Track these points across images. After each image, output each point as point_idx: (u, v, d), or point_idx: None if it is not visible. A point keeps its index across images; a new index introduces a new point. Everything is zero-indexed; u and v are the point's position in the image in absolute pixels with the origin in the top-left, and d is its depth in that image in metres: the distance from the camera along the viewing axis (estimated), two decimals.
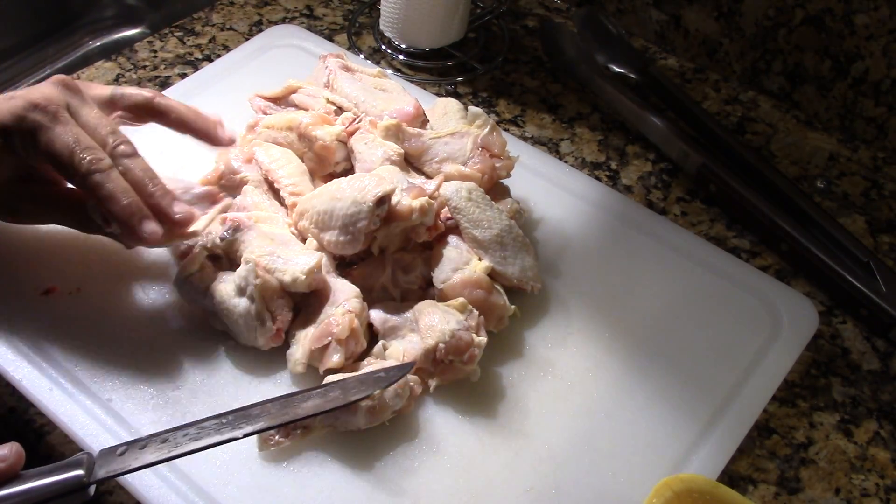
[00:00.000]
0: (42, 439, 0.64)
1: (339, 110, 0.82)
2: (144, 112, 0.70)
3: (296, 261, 0.66)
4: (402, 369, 0.61)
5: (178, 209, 0.65)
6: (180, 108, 0.71)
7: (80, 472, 0.53)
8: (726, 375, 0.69)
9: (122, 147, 0.64)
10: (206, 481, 0.60)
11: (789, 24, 0.94)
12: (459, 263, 0.69)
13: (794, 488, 0.66)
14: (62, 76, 0.65)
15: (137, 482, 0.59)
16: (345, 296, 0.66)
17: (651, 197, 0.88)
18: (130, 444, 0.55)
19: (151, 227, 0.62)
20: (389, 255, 0.70)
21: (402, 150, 0.75)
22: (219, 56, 0.97)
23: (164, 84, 0.93)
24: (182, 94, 0.89)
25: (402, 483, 0.61)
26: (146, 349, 0.67)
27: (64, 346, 0.67)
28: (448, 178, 0.74)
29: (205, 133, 0.72)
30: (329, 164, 0.76)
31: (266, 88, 0.85)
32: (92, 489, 0.54)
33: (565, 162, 0.89)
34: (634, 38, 1.08)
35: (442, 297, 0.68)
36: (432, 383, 0.65)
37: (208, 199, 0.69)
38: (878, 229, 0.87)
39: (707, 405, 0.67)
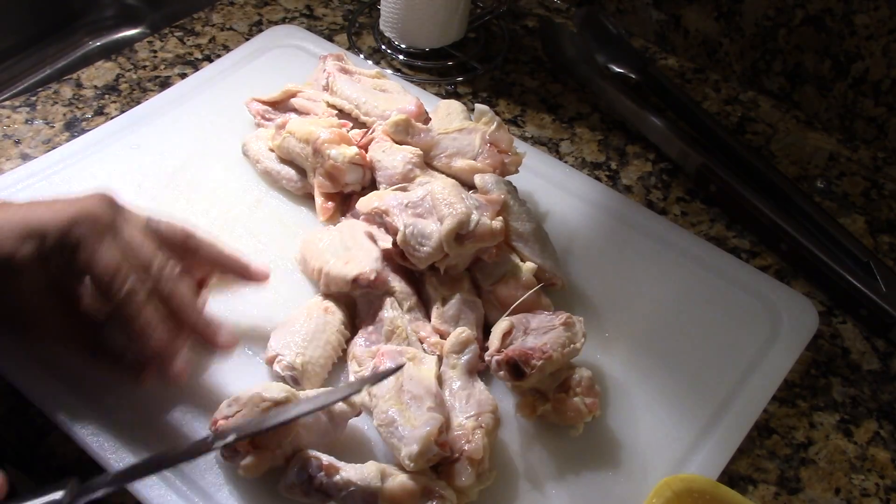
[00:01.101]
0: (42, 439, 0.64)
1: (341, 113, 0.82)
2: (176, 246, 0.64)
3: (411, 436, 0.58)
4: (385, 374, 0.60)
5: (223, 338, 0.62)
6: (213, 249, 0.66)
7: (59, 494, 0.52)
8: (726, 375, 0.69)
9: (166, 271, 0.60)
10: (206, 481, 0.60)
11: (789, 24, 0.94)
12: (503, 266, 0.69)
13: (794, 488, 0.66)
14: (106, 193, 0.61)
15: (137, 482, 0.59)
16: (479, 407, 0.61)
17: (651, 197, 0.88)
18: (115, 475, 0.55)
19: (178, 366, 0.60)
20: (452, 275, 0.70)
21: (421, 152, 0.75)
22: (219, 56, 0.97)
23: (165, 84, 0.93)
24: (182, 94, 0.89)
25: None
26: None
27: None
28: (459, 173, 0.75)
29: (237, 271, 0.67)
30: (339, 184, 0.76)
31: (265, 90, 0.86)
32: None
33: (565, 162, 0.89)
34: (634, 38, 1.08)
35: (494, 300, 0.69)
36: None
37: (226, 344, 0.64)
38: (878, 229, 0.87)
39: (707, 405, 0.67)
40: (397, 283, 0.69)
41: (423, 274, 0.69)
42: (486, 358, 0.63)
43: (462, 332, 0.64)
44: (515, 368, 0.62)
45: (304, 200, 0.80)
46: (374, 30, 1.03)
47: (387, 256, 0.70)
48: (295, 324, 0.67)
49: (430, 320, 0.68)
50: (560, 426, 0.64)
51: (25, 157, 0.84)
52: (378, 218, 0.70)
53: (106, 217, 0.59)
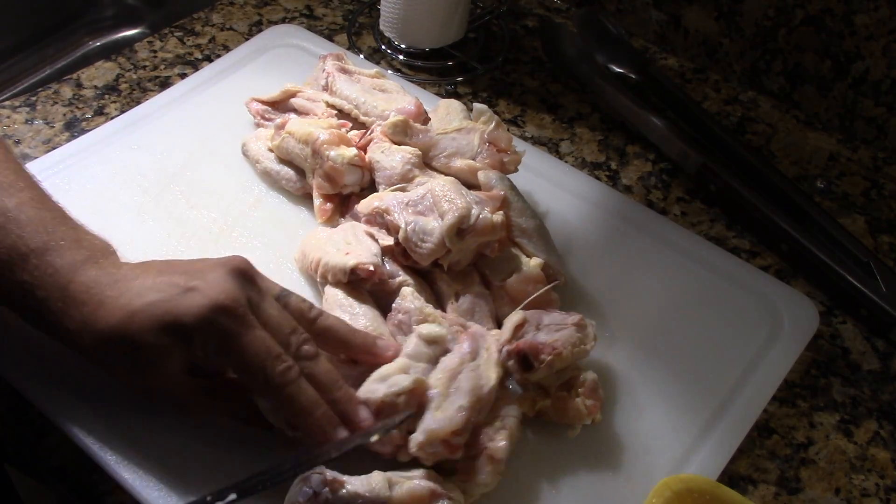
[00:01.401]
0: (42, 439, 0.64)
1: (340, 113, 0.82)
2: (305, 321, 0.61)
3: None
4: (388, 424, 0.58)
5: (364, 415, 0.59)
6: (342, 329, 0.62)
7: None
8: (726, 375, 0.69)
9: (305, 348, 0.58)
10: (206, 482, 0.60)
11: (789, 24, 0.94)
12: (510, 262, 0.70)
13: (794, 488, 0.66)
14: (237, 264, 0.58)
15: (137, 481, 0.59)
16: (505, 409, 0.62)
17: (651, 197, 0.88)
18: None
19: (343, 433, 0.58)
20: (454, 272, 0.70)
21: (420, 152, 0.75)
22: (219, 56, 0.97)
23: (164, 84, 0.93)
24: (182, 94, 0.89)
25: None
26: None
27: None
28: (459, 173, 0.75)
29: (364, 351, 0.63)
30: (337, 185, 0.76)
31: (265, 90, 0.86)
32: None
33: (565, 162, 0.89)
34: (634, 38, 1.08)
35: (506, 295, 0.69)
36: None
37: (389, 409, 0.60)
38: (878, 229, 0.87)
39: (707, 405, 0.67)
40: (409, 277, 0.69)
41: (433, 272, 0.69)
42: (497, 347, 0.64)
43: (498, 332, 0.65)
44: (525, 360, 0.62)
45: (304, 201, 0.80)
46: (374, 30, 1.03)
47: (389, 253, 0.70)
48: (343, 308, 0.66)
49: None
50: (561, 427, 0.64)
51: (25, 157, 0.84)
52: (379, 218, 0.70)
53: (242, 298, 0.56)
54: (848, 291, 0.77)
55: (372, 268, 0.66)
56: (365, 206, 0.71)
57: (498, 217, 0.67)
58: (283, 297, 0.61)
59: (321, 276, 0.69)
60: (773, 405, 0.71)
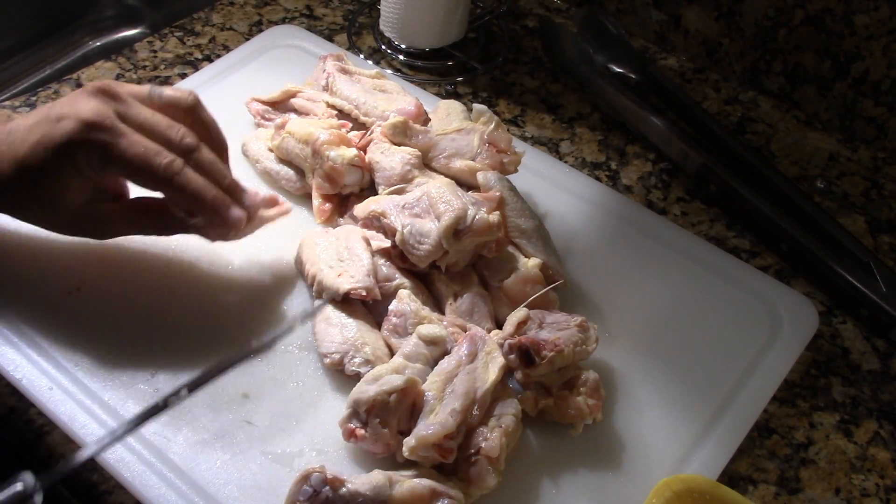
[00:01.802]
0: (42, 439, 0.64)
1: (340, 113, 0.82)
2: (180, 112, 0.66)
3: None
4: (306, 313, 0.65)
5: (252, 199, 0.67)
6: (211, 121, 0.68)
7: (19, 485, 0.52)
8: (726, 375, 0.69)
9: (186, 141, 0.63)
10: (206, 481, 0.60)
11: (789, 24, 0.94)
12: (509, 262, 0.70)
13: (794, 488, 0.66)
14: (97, 84, 0.63)
15: (137, 481, 0.59)
16: (503, 408, 0.62)
17: (651, 197, 0.88)
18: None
19: (237, 213, 0.64)
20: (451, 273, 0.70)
21: (420, 153, 0.75)
22: (219, 56, 0.97)
23: (164, 84, 0.93)
24: None
25: None
26: (146, 349, 0.67)
27: (64, 345, 0.67)
28: (459, 174, 0.75)
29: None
30: (337, 185, 0.76)
31: (265, 90, 0.86)
32: (38, 498, 0.53)
33: (565, 162, 0.89)
34: (634, 38, 1.08)
35: (504, 295, 0.69)
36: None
37: (270, 202, 0.69)
38: (878, 229, 0.87)
39: (707, 405, 0.67)
40: (406, 280, 0.69)
41: (431, 273, 0.69)
42: (499, 341, 0.64)
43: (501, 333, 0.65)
44: (526, 356, 0.62)
45: (303, 200, 0.80)
46: (374, 30, 1.03)
47: (386, 255, 0.70)
48: (331, 322, 0.66)
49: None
50: (561, 427, 0.64)
51: None
52: (375, 221, 0.70)
53: (108, 111, 0.61)
54: (848, 291, 0.77)
55: (364, 292, 0.66)
56: (362, 209, 0.72)
57: (494, 217, 0.67)
58: (155, 93, 0.65)
59: (316, 292, 0.69)
60: (773, 405, 0.70)
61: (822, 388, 0.73)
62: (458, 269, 0.69)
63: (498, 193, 0.71)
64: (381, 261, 0.70)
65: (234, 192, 0.65)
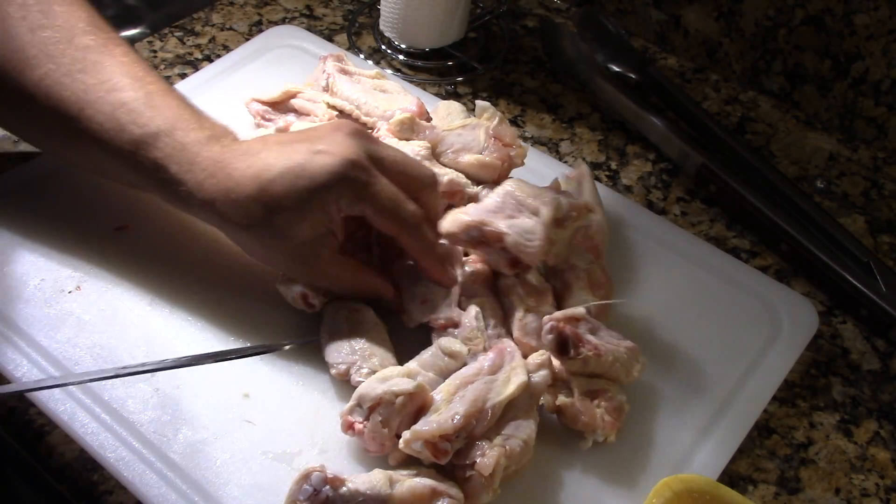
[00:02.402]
0: (42, 439, 0.64)
1: (341, 114, 0.82)
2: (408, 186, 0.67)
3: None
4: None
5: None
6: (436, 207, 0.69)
7: None
8: (726, 375, 0.69)
9: (434, 177, 0.68)
10: (206, 480, 0.60)
11: (789, 24, 0.94)
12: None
13: (794, 488, 0.66)
14: (354, 126, 0.65)
15: (137, 481, 0.59)
16: (515, 430, 0.60)
17: (651, 197, 0.88)
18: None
19: (454, 273, 0.68)
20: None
21: (429, 145, 0.75)
22: (219, 56, 0.97)
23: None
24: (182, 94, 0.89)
25: None
26: (146, 347, 0.67)
27: (63, 344, 0.67)
28: (468, 168, 0.75)
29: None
30: None
31: (265, 90, 0.85)
32: None
33: (565, 162, 0.89)
34: (634, 38, 1.08)
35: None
36: None
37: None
38: (878, 229, 0.87)
39: (707, 405, 0.67)
40: (486, 297, 0.69)
41: (508, 287, 0.69)
42: (544, 320, 0.63)
43: (543, 354, 0.63)
44: (563, 343, 0.62)
45: None
46: (374, 30, 1.03)
47: (481, 280, 0.70)
48: (339, 330, 0.66)
49: (510, 335, 0.68)
50: (564, 432, 0.64)
51: (25, 158, 0.83)
52: (475, 231, 0.67)
53: (366, 153, 0.63)
54: (848, 291, 0.77)
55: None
56: (454, 223, 0.68)
57: (582, 201, 0.69)
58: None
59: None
60: (773, 405, 0.71)
61: (822, 388, 0.73)
62: (559, 260, 0.69)
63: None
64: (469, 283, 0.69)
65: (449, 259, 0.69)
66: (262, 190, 0.61)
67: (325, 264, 0.65)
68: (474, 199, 0.74)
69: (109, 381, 0.65)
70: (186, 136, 0.64)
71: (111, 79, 0.66)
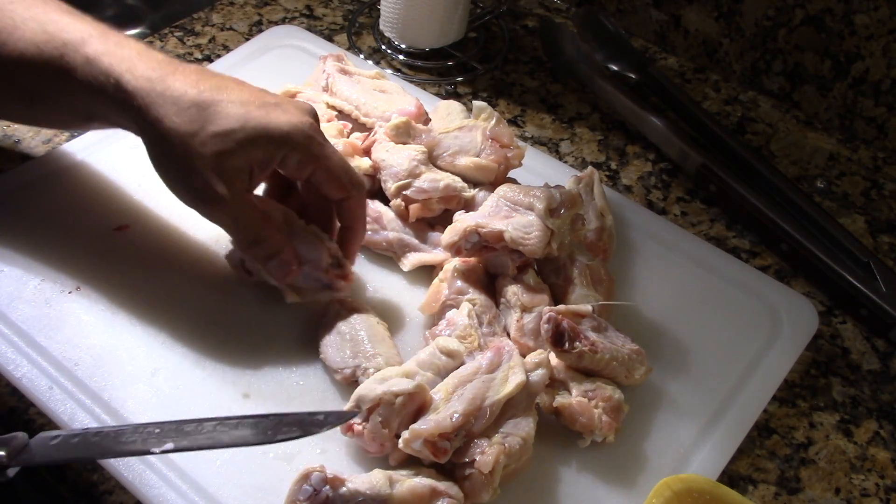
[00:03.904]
0: None
1: (341, 114, 0.82)
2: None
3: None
4: (342, 417, 0.58)
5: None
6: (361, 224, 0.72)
7: (1, 452, 0.53)
8: (726, 375, 0.69)
9: (363, 178, 0.71)
10: (206, 481, 0.60)
11: (789, 24, 0.94)
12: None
13: (794, 488, 0.66)
14: (308, 105, 0.68)
15: (137, 480, 0.59)
16: (514, 429, 0.60)
17: (651, 197, 0.88)
18: (65, 436, 0.55)
19: (350, 280, 0.69)
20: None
21: (425, 149, 0.75)
22: (219, 56, 0.97)
23: None
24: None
25: None
26: (146, 349, 0.67)
27: (64, 345, 0.67)
28: (465, 171, 0.75)
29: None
30: None
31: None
32: (11, 471, 0.54)
33: (565, 162, 0.89)
34: (634, 38, 1.08)
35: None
36: None
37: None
38: (878, 229, 0.87)
39: (707, 405, 0.67)
40: (478, 296, 0.68)
41: (505, 287, 0.69)
42: (545, 310, 0.64)
43: (541, 353, 0.63)
44: (559, 335, 0.62)
45: None
46: (374, 30, 1.03)
47: (471, 279, 0.70)
48: (340, 334, 0.66)
49: (507, 334, 0.68)
50: (562, 427, 0.64)
51: (26, 158, 0.84)
52: (474, 236, 0.68)
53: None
54: (848, 291, 0.77)
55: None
56: (453, 232, 0.69)
57: (574, 190, 0.71)
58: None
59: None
60: (773, 405, 0.71)
61: (822, 388, 0.73)
62: (565, 251, 0.69)
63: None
64: (458, 281, 0.69)
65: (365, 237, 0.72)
66: (210, 107, 0.61)
67: (234, 198, 0.63)
68: (470, 202, 0.74)
69: (110, 381, 0.65)
70: (127, 41, 0.65)
71: (44, 12, 0.66)
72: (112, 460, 0.60)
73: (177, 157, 0.62)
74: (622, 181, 0.89)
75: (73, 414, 0.62)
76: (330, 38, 1.02)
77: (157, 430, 0.55)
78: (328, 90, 0.84)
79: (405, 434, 0.57)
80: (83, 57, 0.63)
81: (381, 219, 0.75)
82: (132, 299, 0.70)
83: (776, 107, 0.99)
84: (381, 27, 1.00)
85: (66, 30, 0.65)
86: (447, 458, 0.58)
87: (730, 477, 0.66)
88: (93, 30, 0.66)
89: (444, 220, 0.74)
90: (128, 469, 0.59)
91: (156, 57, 0.65)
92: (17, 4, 0.66)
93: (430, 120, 0.80)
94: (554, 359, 0.64)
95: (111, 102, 0.63)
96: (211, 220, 0.64)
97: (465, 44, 1.03)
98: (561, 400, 0.63)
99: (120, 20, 1.22)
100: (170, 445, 0.55)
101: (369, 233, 0.74)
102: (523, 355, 0.63)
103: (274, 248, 0.66)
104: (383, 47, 1.02)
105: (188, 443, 0.55)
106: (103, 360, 0.66)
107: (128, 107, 0.62)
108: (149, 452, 0.55)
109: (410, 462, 0.59)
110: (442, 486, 0.57)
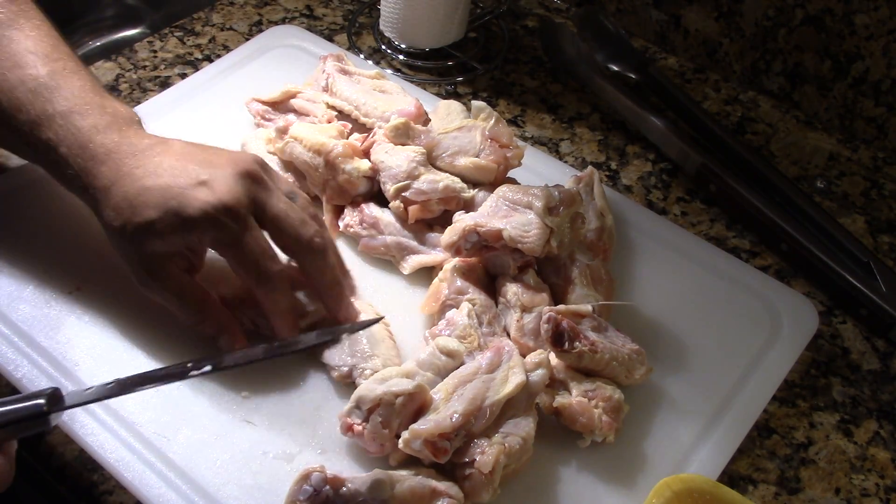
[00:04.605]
0: (42, 439, 0.64)
1: (340, 114, 0.82)
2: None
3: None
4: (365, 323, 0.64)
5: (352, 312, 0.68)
6: (331, 264, 0.67)
7: (41, 401, 0.53)
8: (726, 375, 0.69)
9: (316, 240, 0.65)
10: (206, 481, 0.60)
11: (789, 24, 0.94)
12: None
13: (794, 488, 0.66)
14: (249, 167, 0.64)
15: (138, 481, 0.59)
16: (514, 428, 0.60)
17: (651, 197, 0.88)
18: (97, 387, 0.57)
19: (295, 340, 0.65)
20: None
21: (424, 150, 0.75)
22: (219, 56, 0.97)
23: (164, 84, 0.93)
24: (182, 94, 0.89)
25: None
26: (146, 347, 0.67)
27: (64, 345, 0.67)
28: (464, 171, 0.75)
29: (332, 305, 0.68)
30: (349, 196, 0.76)
31: (266, 89, 0.85)
32: (54, 419, 0.54)
33: (565, 162, 0.89)
34: (634, 38, 1.08)
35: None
36: None
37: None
38: (878, 229, 0.87)
39: (707, 405, 0.67)
40: (478, 295, 0.68)
41: (505, 287, 0.69)
42: (544, 310, 0.64)
43: (541, 353, 0.63)
44: (559, 335, 0.62)
45: None
46: (374, 30, 1.03)
47: (471, 279, 0.69)
48: (336, 333, 0.66)
49: (507, 334, 0.68)
50: (564, 432, 0.64)
51: None
52: (473, 236, 0.68)
53: (247, 201, 0.63)
54: (848, 291, 0.77)
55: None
56: (452, 232, 0.69)
57: (573, 189, 0.71)
58: (291, 195, 0.67)
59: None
60: (773, 405, 0.71)
61: (822, 388, 0.73)
62: (567, 250, 0.69)
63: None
64: (458, 280, 0.69)
65: (339, 305, 0.67)
66: (136, 196, 0.61)
67: (170, 280, 0.64)
68: (470, 203, 0.74)
69: (109, 379, 0.65)
70: (83, 120, 0.64)
71: (15, 55, 0.66)
72: (112, 461, 0.60)
73: (116, 248, 0.65)
74: (622, 181, 0.89)
75: (74, 414, 0.62)
76: (330, 38, 1.02)
77: (190, 364, 0.58)
78: (328, 90, 0.84)
79: (405, 434, 0.58)
80: (44, 142, 0.64)
81: (378, 224, 0.75)
82: (132, 299, 0.70)
83: (776, 107, 0.99)
84: (381, 27, 1.00)
85: (34, 103, 0.64)
86: (447, 459, 0.58)
87: (730, 477, 0.66)
88: (58, 103, 0.64)
89: (443, 220, 0.74)
90: (128, 469, 0.59)
91: (109, 139, 0.64)
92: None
93: (430, 120, 0.80)
94: (554, 359, 0.64)
95: (65, 182, 0.66)
96: (158, 300, 0.65)
97: (465, 44, 1.03)
98: (561, 400, 0.63)
99: (120, 20, 1.22)
100: (208, 367, 0.58)
101: (367, 239, 0.74)
102: (523, 355, 0.63)
103: (216, 327, 0.65)
104: (383, 47, 1.02)
105: (227, 361, 0.59)
106: (103, 360, 0.66)
107: (76, 188, 0.65)
108: (187, 375, 0.57)
109: (410, 462, 0.59)
110: (442, 486, 0.57)
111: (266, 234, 0.64)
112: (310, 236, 0.65)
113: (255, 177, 0.64)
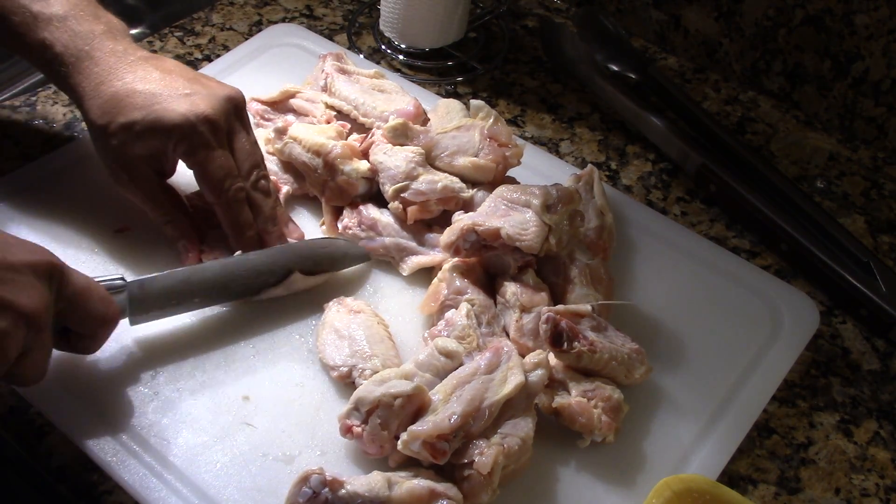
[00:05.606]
0: (42, 439, 0.64)
1: (340, 114, 0.82)
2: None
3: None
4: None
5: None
6: (266, 206, 0.73)
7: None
8: (726, 375, 0.69)
9: (262, 182, 0.72)
10: (206, 483, 0.60)
11: (789, 24, 0.94)
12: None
13: (794, 488, 0.66)
14: (235, 94, 0.71)
15: (138, 484, 0.59)
16: (513, 429, 0.60)
17: (651, 197, 0.88)
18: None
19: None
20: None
21: (423, 151, 0.75)
22: (219, 56, 0.97)
23: None
24: None
25: None
26: (146, 350, 0.67)
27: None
28: (463, 171, 0.75)
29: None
30: (349, 197, 0.76)
31: (265, 89, 0.85)
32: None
33: (565, 162, 0.89)
34: (634, 38, 1.08)
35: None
36: None
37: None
38: (878, 229, 0.87)
39: (707, 405, 0.67)
40: (477, 295, 0.68)
41: (504, 287, 0.69)
42: (543, 310, 0.64)
43: (540, 354, 0.63)
44: (558, 335, 0.62)
45: (300, 200, 0.80)
46: (374, 30, 1.03)
47: (470, 278, 0.70)
48: (339, 333, 0.66)
49: (506, 334, 0.68)
50: (563, 432, 0.64)
51: (26, 158, 0.84)
52: (472, 235, 0.68)
53: (225, 121, 0.69)
54: (848, 291, 0.77)
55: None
56: (451, 232, 0.69)
57: (572, 187, 0.72)
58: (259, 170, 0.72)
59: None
60: (773, 405, 0.71)
61: (822, 388, 0.73)
62: (565, 249, 0.69)
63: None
64: (457, 280, 0.69)
65: (272, 240, 0.72)
66: (126, 96, 0.66)
67: (143, 180, 0.70)
68: (469, 203, 0.74)
69: (110, 382, 0.65)
70: (79, 25, 0.69)
71: None
72: (112, 462, 0.60)
73: (96, 144, 0.70)
74: (622, 181, 0.89)
75: (74, 414, 0.62)
76: (330, 38, 1.01)
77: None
78: (327, 90, 0.84)
79: (404, 436, 0.58)
80: (40, 42, 0.68)
81: (377, 225, 0.75)
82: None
83: (776, 107, 0.99)
84: (381, 27, 1.00)
85: (32, 6, 0.69)
86: (446, 460, 0.58)
87: (730, 477, 0.66)
88: (56, 7, 0.69)
89: (442, 220, 0.74)
90: (128, 472, 0.59)
91: (105, 45, 0.69)
92: None
93: (429, 120, 0.80)
94: (553, 359, 0.64)
95: (54, 78, 0.70)
96: (128, 197, 0.71)
97: (465, 44, 1.03)
98: (560, 400, 0.63)
99: (120, 20, 1.22)
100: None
101: (366, 240, 0.74)
102: (522, 355, 0.63)
103: (178, 232, 0.71)
104: (383, 47, 1.02)
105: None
106: (103, 362, 0.66)
107: (65, 85, 0.70)
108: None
109: (409, 463, 0.59)
110: (441, 487, 0.57)
111: None
112: (258, 177, 0.71)
113: (236, 105, 0.70)
